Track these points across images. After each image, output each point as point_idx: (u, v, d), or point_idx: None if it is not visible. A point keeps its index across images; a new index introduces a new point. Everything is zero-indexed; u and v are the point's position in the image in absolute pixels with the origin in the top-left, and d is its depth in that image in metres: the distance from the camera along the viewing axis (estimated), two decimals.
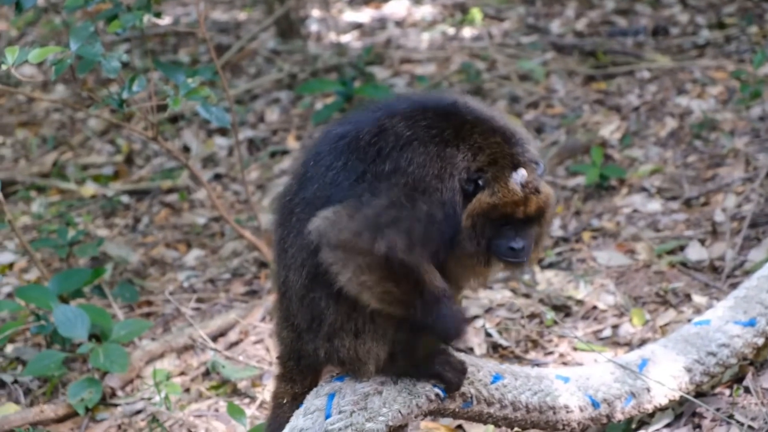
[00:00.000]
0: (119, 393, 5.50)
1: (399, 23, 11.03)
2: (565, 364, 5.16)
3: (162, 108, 5.35)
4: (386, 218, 3.28)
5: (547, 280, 5.92)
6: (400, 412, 3.58)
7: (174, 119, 9.20)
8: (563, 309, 5.67)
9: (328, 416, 3.48)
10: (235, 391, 5.38)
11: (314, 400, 3.57)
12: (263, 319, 5.92)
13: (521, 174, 3.43)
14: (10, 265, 7.30)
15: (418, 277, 3.35)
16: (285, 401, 3.77)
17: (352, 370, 3.58)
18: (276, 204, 3.64)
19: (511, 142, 3.48)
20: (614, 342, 5.30)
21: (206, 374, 5.59)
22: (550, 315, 5.48)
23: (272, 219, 3.68)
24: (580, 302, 5.68)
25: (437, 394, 3.68)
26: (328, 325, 3.47)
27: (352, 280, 3.32)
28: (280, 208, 3.59)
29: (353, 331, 3.47)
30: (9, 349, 5.90)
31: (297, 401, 3.68)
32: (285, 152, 8.62)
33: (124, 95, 5.12)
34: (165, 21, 10.96)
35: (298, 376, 3.74)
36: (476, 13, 10.38)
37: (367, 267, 3.30)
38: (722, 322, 4.50)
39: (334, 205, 3.35)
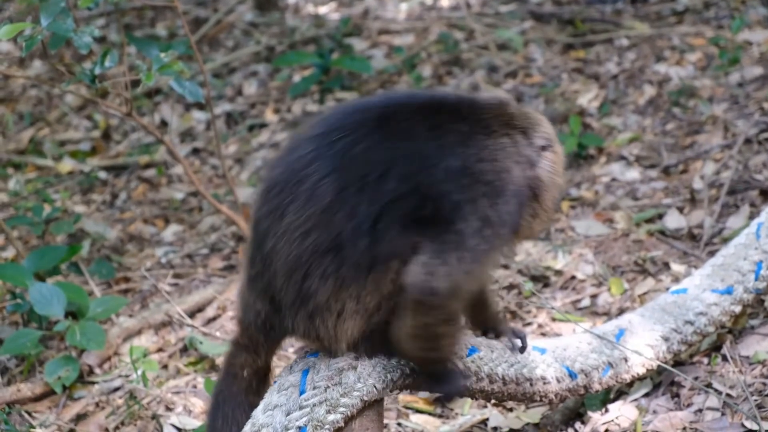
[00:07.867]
0: (96, 371, 5.49)
1: None
2: (543, 335, 5.15)
3: (136, 83, 5.30)
4: (486, 243, 3.31)
5: (526, 250, 5.90)
6: (375, 386, 3.54)
7: (151, 94, 9.14)
8: (542, 279, 5.66)
9: (302, 392, 3.45)
10: (213, 367, 5.36)
11: (288, 377, 3.53)
12: None
13: None
14: None
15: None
16: (245, 373, 3.70)
17: (326, 347, 3.53)
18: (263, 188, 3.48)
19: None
20: (593, 312, 5.29)
21: (184, 350, 5.57)
22: (528, 286, 5.46)
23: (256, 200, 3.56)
24: (558, 272, 5.68)
25: (412, 369, 3.65)
26: (313, 305, 3.39)
27: (424, 327, 3.35)
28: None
29: (337, 311, 3.41)
30: None
31: (257, 376, 3.66)
32: (263, 125, 8.59)
33: (97, 71, 5.06)
34: None
35: (262, 348, 3.66)
36: None
37: (452, 317, 3.38)
38: (699, 291, 4.49)
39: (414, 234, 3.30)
